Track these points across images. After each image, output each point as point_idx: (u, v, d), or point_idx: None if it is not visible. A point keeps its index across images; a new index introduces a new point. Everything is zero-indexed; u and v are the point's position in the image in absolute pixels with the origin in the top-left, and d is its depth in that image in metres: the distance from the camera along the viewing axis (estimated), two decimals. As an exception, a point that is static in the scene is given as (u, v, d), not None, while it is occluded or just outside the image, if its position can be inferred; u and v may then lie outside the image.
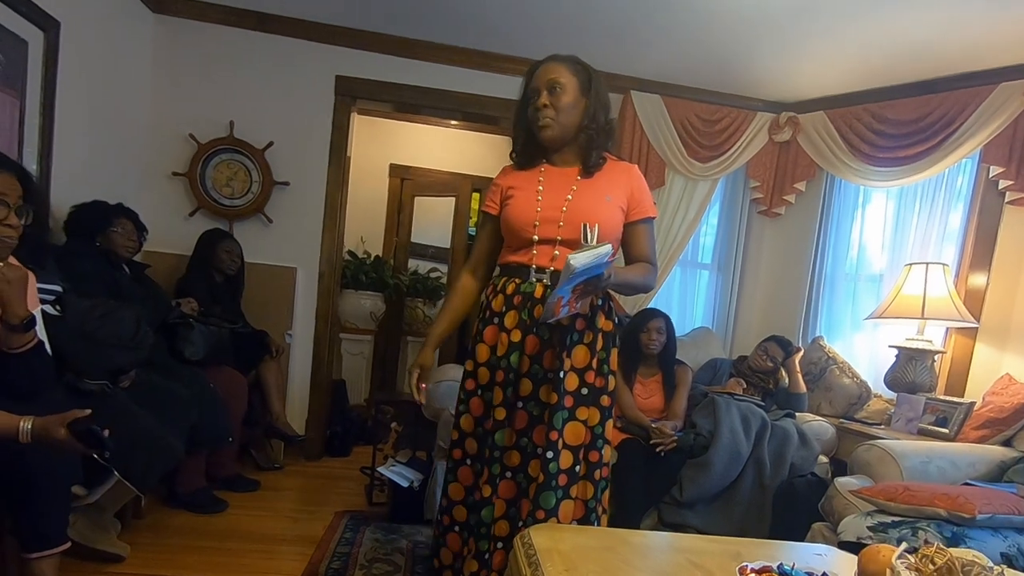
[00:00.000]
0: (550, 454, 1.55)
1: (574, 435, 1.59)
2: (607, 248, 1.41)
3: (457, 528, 1.72)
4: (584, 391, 1.61)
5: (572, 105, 1.59)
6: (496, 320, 1.64)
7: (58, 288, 1.85)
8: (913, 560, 1.00)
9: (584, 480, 1.65)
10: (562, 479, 1.58)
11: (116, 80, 2.87)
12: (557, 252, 1.59)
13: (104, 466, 1.71)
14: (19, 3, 2.17)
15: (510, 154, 1.75)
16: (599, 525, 1.69)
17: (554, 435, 1.55)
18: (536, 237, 1.60)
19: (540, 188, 1.63)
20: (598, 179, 1.63)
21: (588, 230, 1.55)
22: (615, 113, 1.92)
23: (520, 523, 1.56)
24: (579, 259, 1.33)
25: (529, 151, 1.68)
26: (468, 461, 1.69)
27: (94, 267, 2.33)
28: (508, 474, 1.62)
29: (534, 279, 1.61)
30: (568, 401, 1.58)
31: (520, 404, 1.59)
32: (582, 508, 1.65)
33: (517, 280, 1.63)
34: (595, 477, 1.66)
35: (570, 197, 1.60)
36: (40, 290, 1.69)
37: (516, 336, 1.60)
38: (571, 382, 1.59)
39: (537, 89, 1.60)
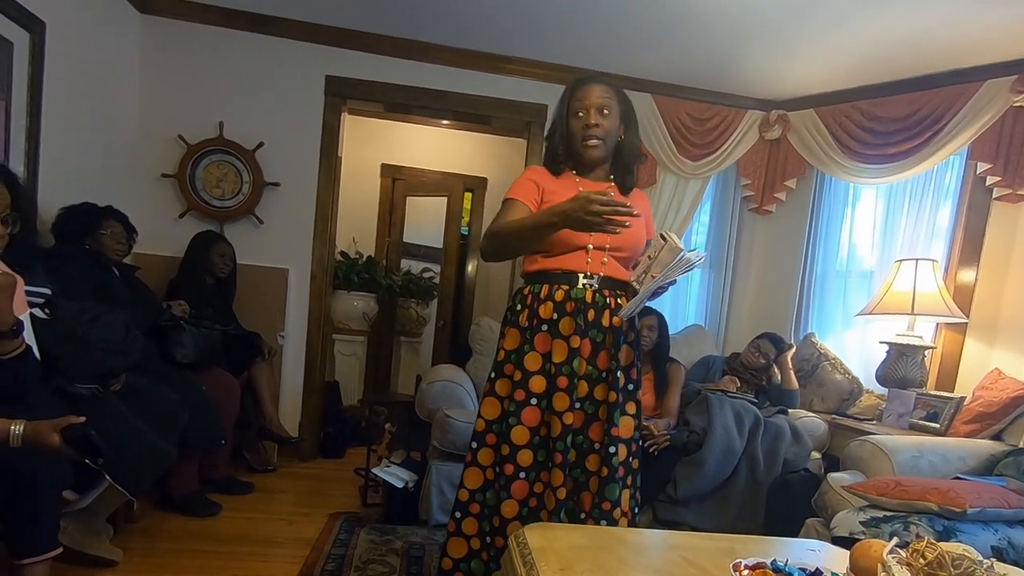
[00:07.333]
0: (612, 448, 1.67)
1: (626, 429, 1.71)
2: (702, 252, 1.62)
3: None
4: (630, 387, 1.74)
5: (615, 129, 1.70)
6: (546, 327, 1.67)
7: (47, 291, 1.83)
8: (904, 555, 1.00)
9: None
10: (620, 471, 1.69)
11: (103, 81, 2.84)
12: (606, 260, 1.69)
13: (95, 470, 1.69)
14: (4, 3, 2.14)
15: (545, 161, 1.80)
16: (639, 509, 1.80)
17: (615, 431, 1.67)
18: (591, 245, 1.67)
19: None
20: (629, 198, 1.73)
21: (669, 236, 1.59)
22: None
23: (583, 515, 1.68)
24: (699, 255, 1.53)
25: (560, 161, 1.74)
26: (522, 474, 1.67)
27: (83, 270, 2.30)
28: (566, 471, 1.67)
29: (583, 284, 1.67)
30: (621, 398, 1.69)
31: (578, 405, 1.67)
32: (631, 496, 1.76)
33: (565, 286, 1.67)
34: (635, 467, 1.77)
35: None
36: (28, 293, 1.67)
37: (576, 342, 1.65)
38: (621, 379, 1.70)
39: (587, 108, 1.67)
